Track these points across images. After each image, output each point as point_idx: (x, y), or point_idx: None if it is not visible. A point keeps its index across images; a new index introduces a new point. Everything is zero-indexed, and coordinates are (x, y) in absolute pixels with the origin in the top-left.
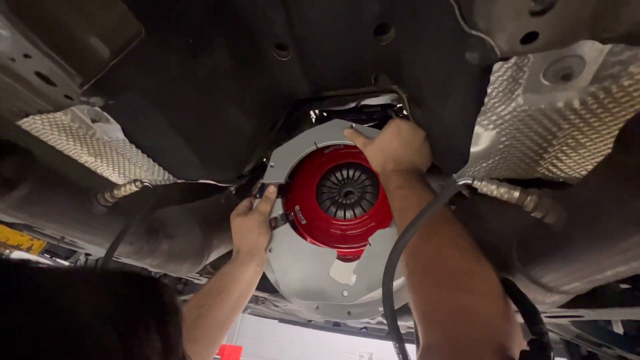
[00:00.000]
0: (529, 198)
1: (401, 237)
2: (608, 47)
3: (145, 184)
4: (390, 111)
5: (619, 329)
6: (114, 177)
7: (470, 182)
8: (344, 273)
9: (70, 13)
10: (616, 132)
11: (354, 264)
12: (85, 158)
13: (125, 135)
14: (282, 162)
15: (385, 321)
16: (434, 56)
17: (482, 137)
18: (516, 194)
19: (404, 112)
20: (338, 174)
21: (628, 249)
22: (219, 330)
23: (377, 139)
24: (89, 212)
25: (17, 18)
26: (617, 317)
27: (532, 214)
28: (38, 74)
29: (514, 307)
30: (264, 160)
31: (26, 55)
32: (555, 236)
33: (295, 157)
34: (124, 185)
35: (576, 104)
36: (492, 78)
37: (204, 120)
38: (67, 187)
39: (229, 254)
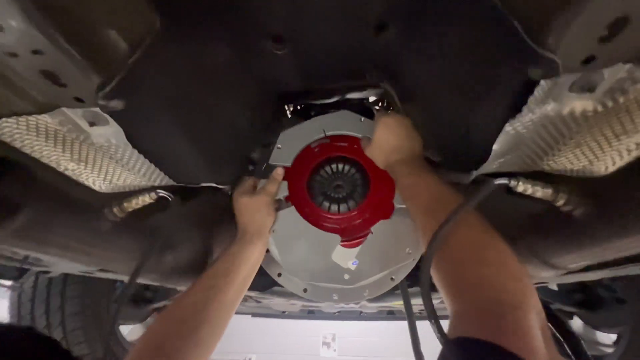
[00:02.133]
0: (559, 195)
1: (434, 237)
2: (628, 66)
3: (161, 194)
4: (369, 103)
5: (554, 287)
6: (97, 184)
7: (507, 182)
8: (345, 258)
9: (93, 1)
10: (611, 133)
11: (356, 250)
12: (66, 165)
13: (128, 139)
14: (289, 145)
15: (355, 304)
16: (459, 59)
17: (506, 138)
18: (549, 191)
19: (379, 104)
20: (327, 169)
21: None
22: (228, 310)
23: (373, 140)
24: (95, 230)
25: (35, 6)
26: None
27: (561, 209)
28: (44, 73)
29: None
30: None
31: (36, 52)
32: (577, 226)
33: (304, 142)
34: (136, 197)
35: (589, 110)
36: (536, 91)
37: (209, 119)
38: (71, 204)
39: None
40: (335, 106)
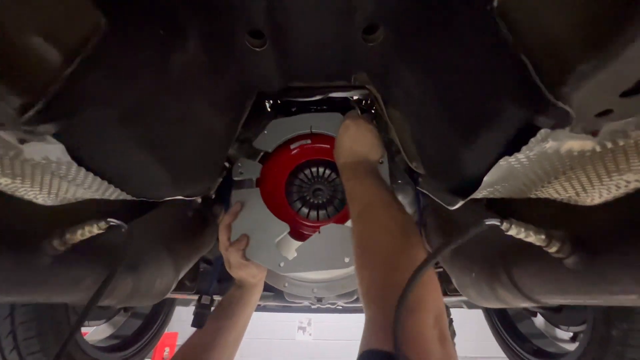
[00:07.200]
0: (552, 242)
1: (418, 269)
2: None
3: (112, 223)
4: (353, 102)
5: None
6: (41, 199)
7: (499, 224)
8: (287, 247)
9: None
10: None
11: (298, 243)
12: None
13: (72, 157)
14: (275, 133)
15: (333, 301)
16: (455, 82)
17: (498, 170)
18: (542, 237)
19: (362, 103)
20: (307, 172)
21: (633, 291)
22: (232, 347)
23: (335, 140)
24: (32, 266)
25: None
26: None
27: (552, 255)
28: None
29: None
30: (226, 165)
31: None
32: (564, 272)
33: (289, 133)
34: (82, 227)
35: (588, 150)
36: (539, 133)
37: (177, 129)
38: (3, 240)
39: None
40: (318, 103)
